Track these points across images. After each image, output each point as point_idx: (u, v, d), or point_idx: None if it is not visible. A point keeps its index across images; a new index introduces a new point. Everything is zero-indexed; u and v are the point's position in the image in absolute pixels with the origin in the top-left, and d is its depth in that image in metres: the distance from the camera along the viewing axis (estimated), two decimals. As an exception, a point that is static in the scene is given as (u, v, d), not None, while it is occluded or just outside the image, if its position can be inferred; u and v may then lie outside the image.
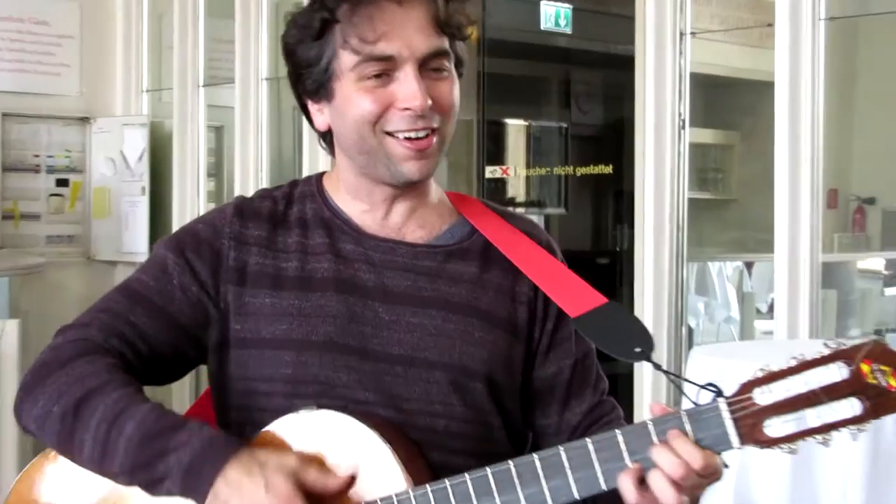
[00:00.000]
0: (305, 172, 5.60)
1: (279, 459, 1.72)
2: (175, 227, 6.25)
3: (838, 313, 5.58)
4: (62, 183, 6.83)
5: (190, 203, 6.48)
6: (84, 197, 6.89)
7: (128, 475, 1.78)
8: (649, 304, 4.59)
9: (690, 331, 5.97)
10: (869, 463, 2.97)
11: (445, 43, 1.91)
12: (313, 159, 5.72)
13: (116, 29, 6.96)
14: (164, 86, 6.88)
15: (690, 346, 4.76)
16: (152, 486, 1.77)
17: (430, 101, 1.86)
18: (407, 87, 1.86)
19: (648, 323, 4.52)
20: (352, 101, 1.89)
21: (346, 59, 1.88)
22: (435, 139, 1.90)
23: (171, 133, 6.63)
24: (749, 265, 7.01)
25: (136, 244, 6.66)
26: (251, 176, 6.12)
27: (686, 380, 1.83)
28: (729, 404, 1.65)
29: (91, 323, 1.90)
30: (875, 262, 6.57)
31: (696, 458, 1.64)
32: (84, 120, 6.86)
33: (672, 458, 1.65)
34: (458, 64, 1.96)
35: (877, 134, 6.46)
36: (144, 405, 1.78)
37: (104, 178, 6.84)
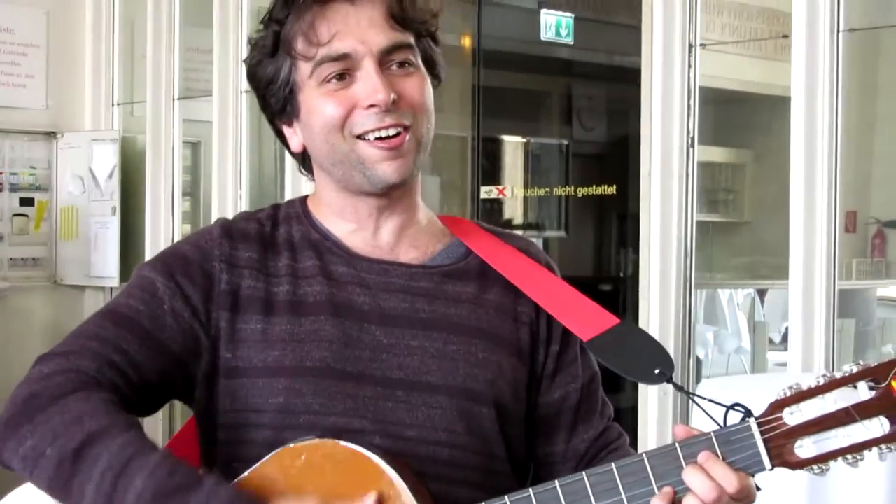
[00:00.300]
0: (288, 191, 5.63)
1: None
2: (148, 249, 6.27)
3: (856, 344, 5.58)
4: (26, 202, 6.83)
5: (164, 224, 6.48)
6: (50, 217, 6.89)
7: None
8: (655, 333, 4.58)
9: (699, 362, 5.99)
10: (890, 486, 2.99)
11: (408, 38, 1.94)
12: (296, 178, 5.73)
13: (85, 37, 6.97)
14: (136, 98, 6.89)
15: (699, 378, 4.77)
16: None
17: (394, 95, 1.89)
18: (367, 83, 1.89)
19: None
20: (315, 109, 1.93)
21: (303, 68, 1.93)
22: (408, 137, 1.92)
23: (143, 149, 6.64)
24: (761, 292, 7.02)
25: (106, 268, 6.66)
26: (230, 195, 6.12)
27: (712, 400, 1.84)
28: (759, 424, 1.67)
29: (80, 351, 1.86)
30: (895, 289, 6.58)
31: (730, 481, 1.67)
32: (50, 135, 6.87)
33: (705, 481, 1.67)
34: (431, 64, 2.00)
35: (898, 153, 6.48)
36: (153, 455, 1.73)
37: (72, 196, 6.84)
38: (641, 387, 4.57)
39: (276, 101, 1.97)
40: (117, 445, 1.74)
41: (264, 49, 1.96)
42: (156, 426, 6.06)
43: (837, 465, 1.67)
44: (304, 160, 2.06)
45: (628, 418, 4.56)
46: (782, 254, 4.31)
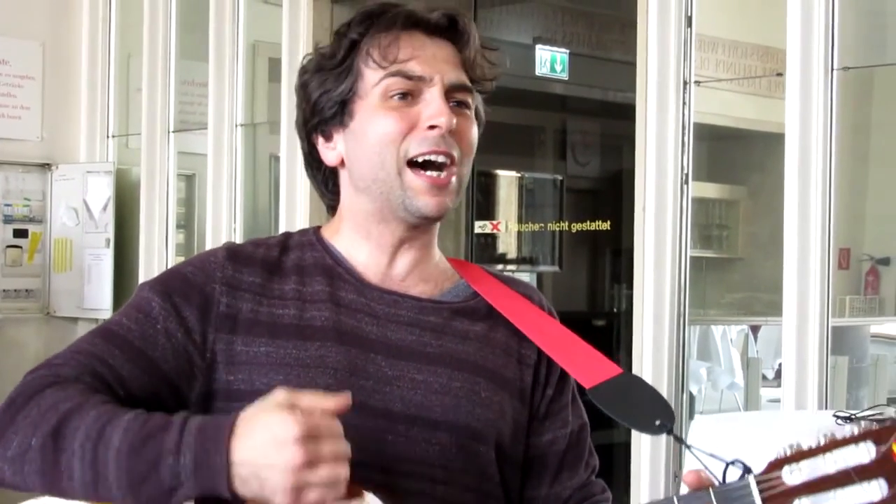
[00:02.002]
0: (282, 224, 5.64)
1: (267, 406, 1.65)
2: (142, 281, 6.25)
3: (849, 381, 5.58)
4: (20, 234, 6.83)
5: (158, 256, 6.49)
6: (44, 249, 6.89)
7: (128, 492, 1.70)
8: (648, 368, 4.59)
9: (692, 398, 5.99)
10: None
11: (471, 85, 1.98)
12: (290, 210, 5.74)
13: (81, 70, 6.99)
14: (131, 131, 6.90)
15: (692, 414, 4.77)
16: (165, 499, 1.69)
17: (455, 121, 1.91)
18: (433, 106, 1.91)
19: (648, 390, 4.52)
20: (373, 120, 1.93)
21: (369, 77, 1.94)
22: (453, 178, 1.93)
23: (138, 181, 6.64)
24: (755, 329, 7.02)
25: (99, 300, 6.66)
26: (224, 227, 6.13)
27: (712, 455, 1.84)
28: (759, 483, 1.67)
29: (64, 363, 1.86)
30: (889, 327, 6.59)
31: None
32: (45, 166, 6.87)
33: None
34: (477, 116, 2.02)
35: (892, 190, 6.49)
36: (126, 414, 1.72)
37: (65, 228, 6.84)
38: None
39: (329, 107, 1.97)
40: (91, 417, 1.73)
41: (333, 57, 1.97)
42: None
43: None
44: (327, 183, 2.06)
45: (621, 454, 4.56)
46: (776, 290, 4.32)
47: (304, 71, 2.02)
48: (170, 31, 6.56)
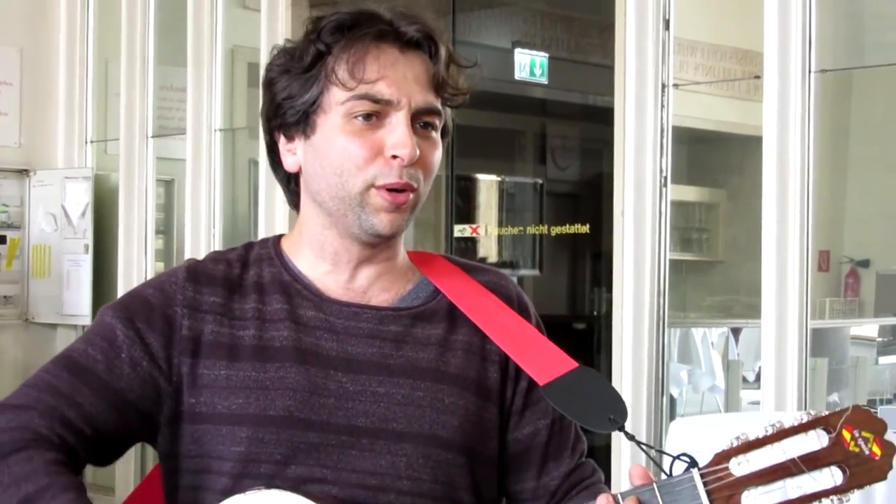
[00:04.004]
0: (262, 230, 5.63)
1: None
2: (121, 287, 6.26)
3: (829, 383, 5.60)
4: (-2, 240, 6.82)
5: (137, 262, 6.47)
6: (22, 255, 6.88)
7: None
8: (628, 371, 4.60)
9: (672, 401, 5.99)
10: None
11: (439, 103, 1.95)
12: (270, 215, 5.74)
13: (58, 75, 6.97)
14: (109, 136, 6.89)
15: (672, 416, 4.77)
16: None
17: (418, 153, 1.89)
18: (398, 135, 1.88)
19: (627, 392, 4.54)
20: (336, 141, 1.90)
21: (337, 95, 1.90)
22: (412, 196, 1.91)
23: (116, 187, 6.63)
24: (735, 331, 7.03)
25: (78, 306, 6.65)
26: (203, 233, 6.12)
27: (659, 450, 1.85)
28: (703, 475, 1.67)
29: (34, 406, 1.85)
30: (869, 328, 6.60)
31: None
32: (23, 172, 6.86)
33: None
34: (444, 132, 2.00)
35: (871, 192, 6.52)
36: None
37: (44, 234, 6.83)
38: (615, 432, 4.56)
39: (292, 114, 1.94)
40: None
41: (299, 63, 1.93)
42: (127, 467, 6.04)
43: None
44: (289, 182, 2.04)
45: (602, 458, 4.57)
46: (755, 293, 4.33)
47: (270, 68, 1.98)
48: (148, 36, 6.55)
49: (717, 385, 6.98)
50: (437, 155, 1.96)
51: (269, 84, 1.98)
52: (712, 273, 7.27)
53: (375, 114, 1.89)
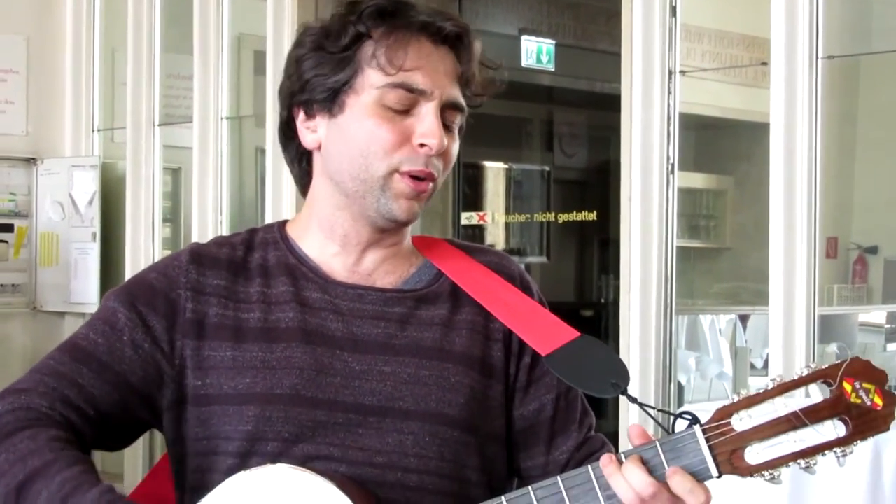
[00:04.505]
0: (269, 217, 5.64)
1: None
2: (128, 275, 6.25)
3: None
4: (6, 228, 6.82)
5: (144, 250, 6.47)
6: (30, 243, 6.88)
7: None
8: (636, 359, 4.60)
9: (680, 388, 6.00)
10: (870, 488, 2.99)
11: (463, 101, 1.97)
12: (276, 203, 5.74)
13: (65, 64, 6.97)
14: (116, 124, 6.88)
15: (680, 403, 4.78)
16: None
17: (445, 143, 1.91)
18: (427, 124, 1.90)
19: (635, 379, 4.54)
20: (365, 123, 1.91)
21: (372, 78, 1.91)
22: (430, 185, 1.94)
23: (123, 175, 6.63)
24: (743, 318, 7.03)
25: (86, 294, 6.65)
26: (210, 221, 6.13)
27: (660, 409, 1.86)
28: (705, 431, 1.68)
29: (34, 388, 1.87)
30: (877, 315, 6.61)
31: (697, 495, 1.69)
32: (30, 161, 6.86)
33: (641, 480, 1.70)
34: (459, 129, 2.01)
35: (879, 179, 6.51)
36: (91, 492, 1.75)
37: (51, 223, 6.83)
38: (623, 410, 4.58)
39: (321, 90, 1.94)
40: (56, 483, 1.76)
41: (336, 42, 1.93)
42: (135, 454, 6.05)
43: (791, 471, 1.67)
44: (301, 161, 2.05)
45: (610, 442, 4.57)
46: (763, 279, 4.32)
47: (300, 44, 1.99)
48: (154, 25, 6.54)
49: (724, 372, 6.98)
50: (456, 148, 1.99)
51: (298, 60, 1.98)
52: (720, 260, 7.27)
53: (409, 103, 1.91)
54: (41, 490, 1.75)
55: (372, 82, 1.91)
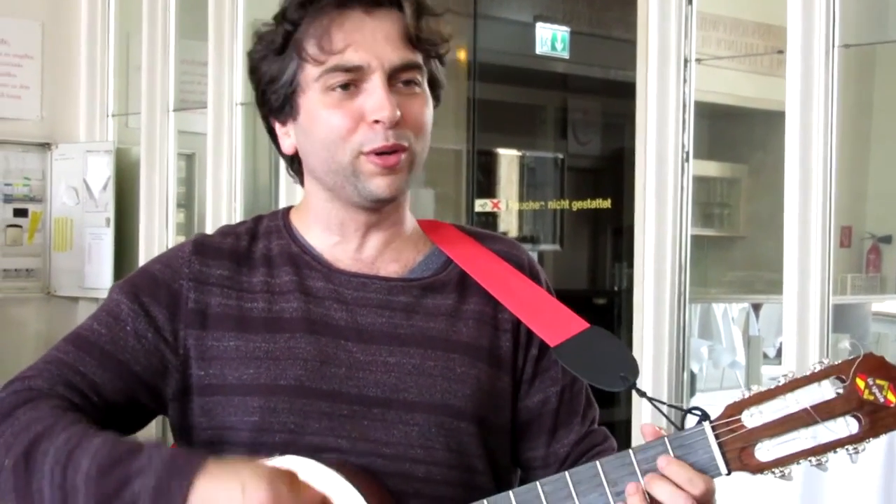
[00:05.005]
0: (283, 203, 5.63)
1: (253, 465, 1.70)
2: (142, 261, 6.26)
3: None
4: (20, 213, 6.83)
5: (158, 236, 6.48)
6: (44, 228, 6.89)
7: None
8: (649, 347, 4.60)
9: (693, 376, 5.99)
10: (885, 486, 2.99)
11: (418, 57, 1.94)
12: (290, 189, 5.73)
13: (80, 49, 6.97)
14: (131, 110, 6.89)
15: (693, 392, 4.77)
16: None
17: (398, 113, 1.88)
18: (375, 98, 1.88)
19: (648, 367, 4.54)
20: (319, 116, 1.91)
21: (310, 71, 1.91)
22: (404, 156, 1.91)
23: (138, 160, 6.63)
24: (756, 307, 7.02)
25: (100, 279, 6.66)
26: (224, 207, 6.13)
27: (670, 405, 1.85)
28: (714, 427, 1.67)
29: (37, 375, 1.88)
30: (890, 304, 6.59)
31: (696, 484, 1.68)
32: (45, 146, 6.86)
33: (668, 488, 1.68)
34: (434, 85, 1.99)
35: (894, 168, 6.49)
36: (96, 438, 1.76)
37: (66, 208, 6.84)
38: (635, 399, 4.57)
39: (275, 99, 1.95)
40: (62, 439, 1.76)
41: (272, 45, 1.94)
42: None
43: (803, 468, 1.66)
44: (293, 162, 2.05)
45: (621, 432, 4.56)
46: (777, 268, 4.31)
47: (250, 56, 2.00)
48: (169, 10, 6.54)
49: (737, 361, 6.97)
50: (426, 109, 1.96)
51: (252, 71, 2.00)
52: (734, 248, 7.26)
53: (352, 82, 1.89)
54: (48, 449, 1.76)
55: (312, 76, 1.91)
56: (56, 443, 1.76)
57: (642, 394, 1.87)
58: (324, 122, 1.91)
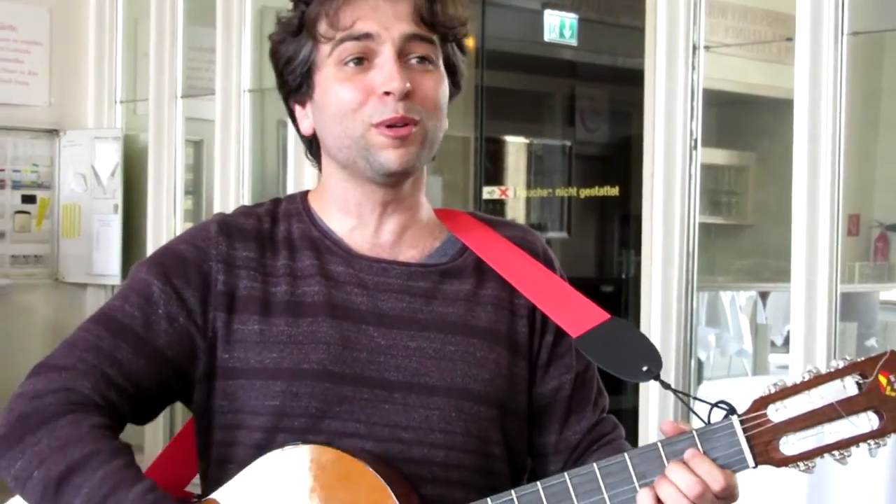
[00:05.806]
0: (290, 190, 5.62)
1: None
2: (150, 247, 6.27)
3: (858, 347, 5.58)
4: (29, 199, 6.83)
5: (166, 222, 6.49)
6: (52, 214, 6.90)
7: None
8: (656, 335, 4.59)
9: (700, 364, 5.99)
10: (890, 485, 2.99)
11: (432, 35, 1.94)
12: (298, 176, 5.74)
13: (88, 35, 6.97)
14: (139, 96, 6.89)
15: (700, 380, 4.77)
16: None
17: (408, 85, 1.88)
18: (384, 70, 1.89)
19: (655, 356, 4.53)
20: (331, 91, 1.92)
21: (323, 49, 1.93)
22: (415, 129, 1.91)
23: (146, 147, 6.64)
24: (763, 295, 7.02)
25: (108, 266, 6.67)
26: (232, 194, 6.13)
27: (696, 398, 1.85)
28: (742, 422, 1.68)
29: (75, 366, 1.86)
30: (898, 293, 6.58)
31: (715, 478, 1.69)
32: (53, 132, 6.87)
33: (689, 477, 1.68)
34: (453, 70, 2.00)
35: (902, 156, 6.48)
36: (132, 491, 1.76)
37: (74, 194, 6.85)
38: (642, 387, 4.58)
39: (293, 79, 1.97)
40: (98, 478, 1.76)
41: (289, 27, 1.96)
42: (156, 426, 6.06)
43: (827, 463, 1.68)
44: (311, 145, 2.05)
45: (629, 419, 4.57)
46: (785, 256, 4.31)
47: (270, 38, 2.02)
48: (177, -3, 6.55)
49: (744, 349, 6.98)
50: (440, 88, 1.96)
51: (272, 55, 2.01)
52: (741, 236, 7.25)
53: (364, 55, 1.90)
54: (81, 485, 1.76)
55: (325, 53, 1.93)
56: (91, 480, 1.76)
57: (667, 385, 1.88)
58: (336, 95, 1.92)
